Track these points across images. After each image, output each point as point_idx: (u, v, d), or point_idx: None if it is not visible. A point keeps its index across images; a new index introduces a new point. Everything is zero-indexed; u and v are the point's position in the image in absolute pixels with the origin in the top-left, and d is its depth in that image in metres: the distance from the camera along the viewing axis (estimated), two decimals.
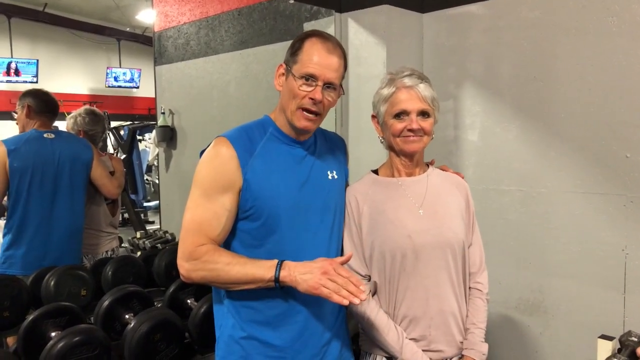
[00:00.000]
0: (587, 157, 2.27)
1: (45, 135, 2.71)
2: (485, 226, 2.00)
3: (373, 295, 1.58)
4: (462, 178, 1.66)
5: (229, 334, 1.46)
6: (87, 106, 3.27)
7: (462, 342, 1.56)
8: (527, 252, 2.47)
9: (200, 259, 1.35)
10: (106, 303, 1.79)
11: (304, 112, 1.41)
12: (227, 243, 1.46)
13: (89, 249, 3.05)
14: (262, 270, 1.32)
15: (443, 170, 1.67)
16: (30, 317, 1.72)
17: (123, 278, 2.21)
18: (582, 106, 2.27)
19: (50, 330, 1.67)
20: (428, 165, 1.65)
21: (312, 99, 1.39)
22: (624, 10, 2.14)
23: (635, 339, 1.95)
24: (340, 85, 1.46)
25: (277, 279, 1.31)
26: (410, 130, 1.49)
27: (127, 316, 1.80)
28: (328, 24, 2.79)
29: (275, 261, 1.33)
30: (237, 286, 1.36)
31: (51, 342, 1.53)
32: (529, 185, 2.46)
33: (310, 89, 1.39)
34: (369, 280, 1.58)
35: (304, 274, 1.29)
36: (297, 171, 1.47)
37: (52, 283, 2.02)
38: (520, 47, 2.43)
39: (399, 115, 1.50)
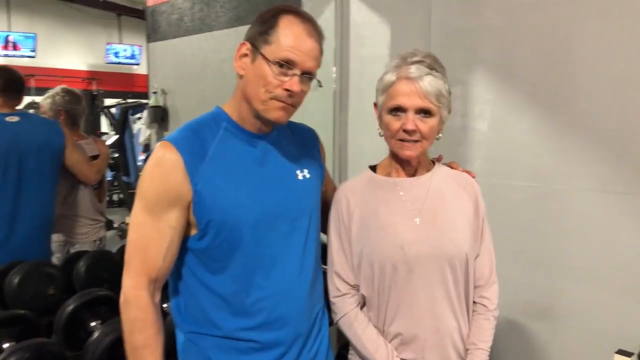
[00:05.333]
0: (609, 153, 2.06)
1: (7, 118, 2.48)
2: (492, 223, 1.80)
3: (362, 308, 1.39)
4: (473, 177, 1.45)
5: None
6: (63, 85, 3.06)
7: None
8: (538, 253, 2.28)
9: (131, 311, 1.18)
10: (69, 309, 1.61)
11: (280, 101, 1.19)
12: (178, 271, 1.26)
13: (79, 239, 2.90)
14: None
15: (451, 167, 1.46)
16: None
17: (97, 275, 2.03)
18: (605, 95, 2.05)
19: (2, 342, 1.49)
20: (434, 163, 1.44)
21: (288, 90, 1.17)
22: None
23: None
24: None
25: None
26: (405, 131, 1.28)
27: (93, 324, 1.62)
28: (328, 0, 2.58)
29: None
30: None
31: None
32: (542, 181, 2.26)
33: (286, 78, 1.16)
34: (358, 290, 1.39)
35: None
36: (260, 174, 1.25)
37: (16, 281, 1.83)
38: (539, 29, 2.21)
39: (395, 111, 1.29)
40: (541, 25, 2.20)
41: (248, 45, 1.20)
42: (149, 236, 1.18)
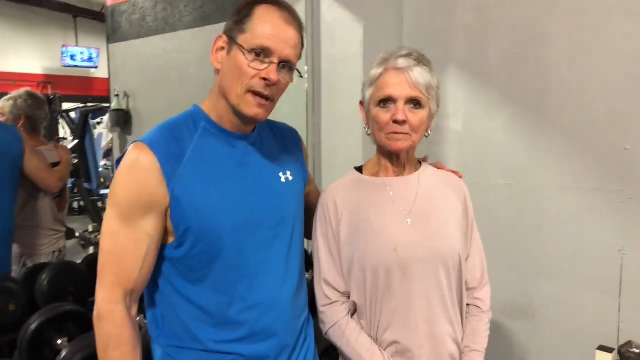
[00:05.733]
0: (582, 149, 2.08)
1: None
2: None
3: (353, 315, 1.34)
4: (460, 177, 1.42)
5: None
6: (27, 88, 2.91)
7: None
8: (515, 251, 2.28)
9: (106, 326, 1.10)
10: (33, 326, 1.49)
11: (256, 96, 1.12)
12: (154, 281, 1.18)
13: (36, 250, 2.75)
14: None
15: (437, 168, 1.42)
16: None
17: (62, 288, 1.91)
18: (577, 93, 2.07)
19: None
20: (420, 163, 1.40)
21: (265, 79, 1.10)
22: None
23: (637, 351, 1.78)
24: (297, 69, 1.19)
25: None
26: (395, 122, 1.23)
27: (60, 341, 1.51)
28: None
29: None
30: None
31: None
32: (517, 179, 2.26)
33: (263, 66, 1.10)
34: (348, 298, 1.34)
35: None
36: (241, 177, 1.18)
37: None
38: (510, 28, 2.21)
39: (384, 102, 1.24)
40: (513, 24, 2.20)
41: (224, 37, 1.15)
42: (124, 245, 1.10)
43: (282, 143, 1.31)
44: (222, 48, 1.15)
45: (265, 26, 1.10)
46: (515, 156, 2.26)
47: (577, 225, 2.12)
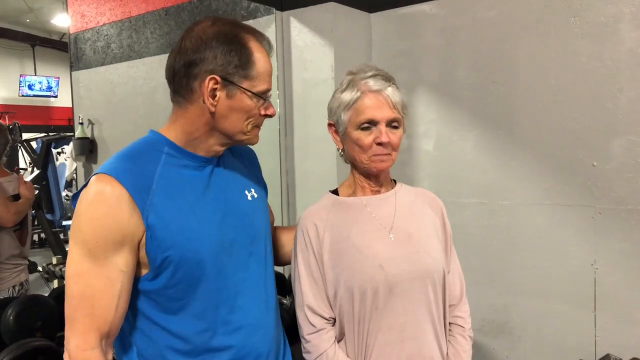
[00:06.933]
0: (552, 167, 2.13)
1: None
2: None
3: (339, 342, 1.30)
4: None
5: None
6: None
7: None
8: (490, 269, 2.30)
9: None
10: None
11: (258, 128, 1.18)
12: (127, 321, 1.12)
13: None
14: None
15: None
16: None
17: (29, 323, 1.82)
18: (545, 112, 2.13)
19: None
20: (395, 182, 1.40)
21: (267, 115, 1.16)
22: (587, 10, 2.02)
23: None
24: None
25: None
26: (379, 144, 1.24)
27: None
28: (268, 23, 2.53)
29: None
30: None
31: None
32: (490, 197, 2.30)
33: (262, 104, 1.14)
34: (334, 324, 1.31)
35: None
36: (210, 198, 1.15)
37: None
38: (478, 49, 2.27)
39: (366, 125, 1.25)
40: (479, 45, 2.27)
41: (217, 79, 1.07)
42: (95, 285, 1.03)
43: (242, 162, 1.31)
44: (216, 89, 1.09)
45: (265, 68, 1.13)
46: (487, 174, 2.29)
47: (550, 241, 2.16)
